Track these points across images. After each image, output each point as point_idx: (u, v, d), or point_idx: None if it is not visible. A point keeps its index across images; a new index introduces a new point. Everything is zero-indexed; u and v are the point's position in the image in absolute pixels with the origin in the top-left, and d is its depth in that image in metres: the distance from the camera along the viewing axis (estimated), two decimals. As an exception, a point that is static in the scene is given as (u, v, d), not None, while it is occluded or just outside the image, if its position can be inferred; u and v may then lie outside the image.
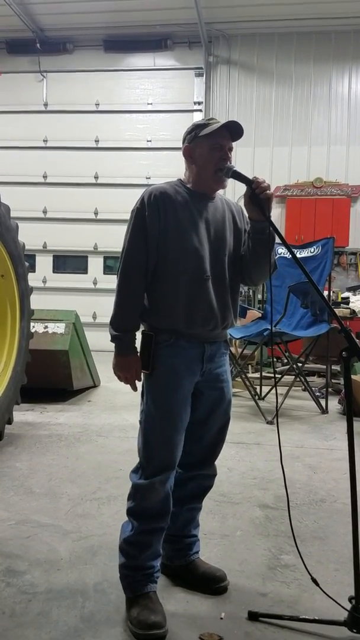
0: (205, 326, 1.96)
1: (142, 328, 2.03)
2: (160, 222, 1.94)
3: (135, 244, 1.96)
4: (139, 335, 2.02)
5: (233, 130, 1.97)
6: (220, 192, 2.11)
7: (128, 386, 2.03)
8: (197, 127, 2.01)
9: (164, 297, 1.95)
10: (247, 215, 2.03)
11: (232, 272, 2.05)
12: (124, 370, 1.99)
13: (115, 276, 2.03)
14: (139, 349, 2.00)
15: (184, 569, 2.17)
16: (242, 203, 2.05)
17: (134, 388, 2.02)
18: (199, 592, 2.10)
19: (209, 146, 1.96)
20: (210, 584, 2.12)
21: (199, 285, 1.94)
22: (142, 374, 1.99)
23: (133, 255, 1.96)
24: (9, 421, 4.09)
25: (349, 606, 1.83)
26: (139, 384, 2.02)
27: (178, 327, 1.94)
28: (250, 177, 1.95)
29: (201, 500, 2.20)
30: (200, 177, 2.01)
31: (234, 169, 1.97)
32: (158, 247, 1.95)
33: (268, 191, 1.92)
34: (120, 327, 1.97)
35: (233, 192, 6.86)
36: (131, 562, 1.95)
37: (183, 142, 2.05)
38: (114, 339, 1.98)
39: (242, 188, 1.95)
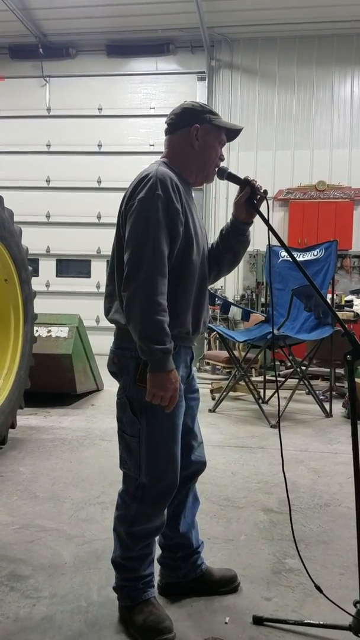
0: (203, 330, 1.92)
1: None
2: (183, 215, 1.73)
3: (161, 239, 1.66)
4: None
5: (234, 135, 1.94)
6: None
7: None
8: (209, 112, 1.85)
9: (178, 302, 1.76)
10: (233, 215, 1.95)
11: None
12: (172, 389, 1.69)
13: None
14: (133, 361, 1.78)
15: (198, 580, 2.11)
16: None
17: (171, 407, 1.74)
18: (202, 597, 2.09)
19: (219, 139, 1.88)
20: (229, 584, 2.12)
21: (203, 287, 1.88)
22: (137, 389, 1.77)
23: (158, 252, 1.65)
24: (13, 425, 4.09)
25: (354, 611, 1.82)
26: (112, 390, 1.93)
27: (186, 332, 1.82)
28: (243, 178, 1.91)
29: (196, 497, 2.12)
30: (200, 166, 1.88)
31: (229, 170, 1.93)
32: (178, 245, 1.73)
33: (262, 190, 1.88)
34: (161, 337, 1.63)
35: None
36: (130, 574, 1.90)
37: (186, 116, 1.84)
38: (156, 353, 1.63)
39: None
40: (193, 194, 1.95)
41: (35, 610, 2.00)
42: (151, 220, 1.67)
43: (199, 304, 1.87)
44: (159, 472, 1.80)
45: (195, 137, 1.84)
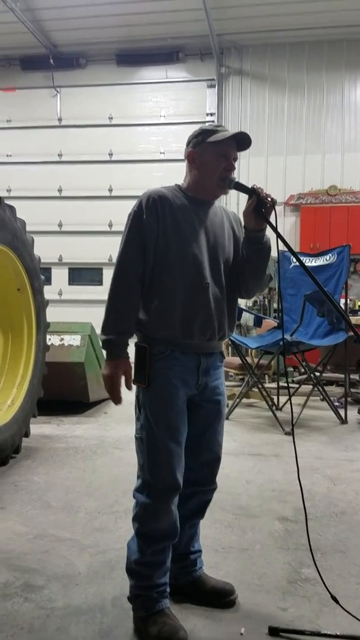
0: (202, 336, 1.92)
1: (135, 340, 1.96)
2: (159, 226, 1.89)
3: (131, 247, 1.90)
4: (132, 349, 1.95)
5: (241, 141, 1.95)
6: (218, 200, 2.08)
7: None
8: (204, 132, 1.96)
9: (161, 304, 1.89)
10: (243, 225, 1.98)
11: (229, 280, 2.00)
12: (111, 376, 1.87)
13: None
14: (132, 362, 1.92)
15: (191, 585, 2.11)
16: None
17: (119, 399, 1.91)
18: (216, 608, 2.06)
19: (216, 154, 1.93)
20: (220, 598, 2.08)
21: (198, 292, 1.90)
22: (138, 387, 1.93)
23: (128, 259, 1.90)
24: (26, 434, 4.10)
25: (371, 622, 1.79)
26: (128, 398, 1.95)
27: (174, 336, 1.89)
28: (250, 187, 1.92)
29: (203, 515, 2.14)
30: (202, 184, 1.97)
31: (236, 180, 1.95)
32: (155, 252, 1.90)
33: (270, 198, 1.89)
34: (111, 330, 1.88)
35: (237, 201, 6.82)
36: (144, 582, 1.91)
37: (187, 145, 2.00)
38: (105, 344, 1.90)
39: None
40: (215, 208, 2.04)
41: (50, 621, 1.99)
42: (125, 233, 1.94)
43: (192, 309, 1.90)
44: (159, 470, 1.88)
45: (192, 162, 1.99)
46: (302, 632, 1.90)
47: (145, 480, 1.90)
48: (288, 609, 2.08)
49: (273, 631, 1.91)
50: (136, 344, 1.96)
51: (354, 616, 1.87)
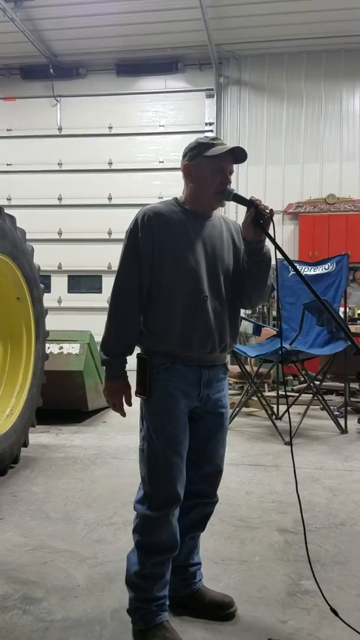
0: (203, 349, 1.92)
1: (137, 351, 1.99)
2: (155, 243, 1.91)
3: (129, 265, 1.93)
4: (132, 359, 1.98)
5: (236, 155, 1.96)
6: (218, 210, 2.09)
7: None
8: (200, 146, 1.97)
9: (160, 318, 1.91)
10: (243, 236, 1.99)
11: (230, 292, 2.01)
12: (112, 396, 1.96)
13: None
14: (133, 373, 1.94)
15: (190, 598, 2.11)
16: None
17: (123, 414, 1.99)
18: (215, 621, 2.05)
19: (212, 168, 1.94)
20: (219, 610, 2.07)
21: (197, 306, 1.91)
22: (139, 399, 1.95)
23: (126, 276, 1.94)
24: (25, 444, 4.09)
25: (372, 635, 1.78)
26: (131, 410, 1.97)
27: (174, 349, 1.90)
28: (248, 198, 1.94)
29: (203, 528, 2.14)
30: (198, 197, 1.98)
31: (234, 192, 1.96)
32: (152, 268, 1.92)
33: (268, 210, 1.90)
34: (111, 351, 1.94)
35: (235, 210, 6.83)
36: (144, 595, 1.90)
37: (183, 157, 2.01)
38: (103, 363, 1.96)
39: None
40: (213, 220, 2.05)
41: (48, 634, 1.98)
42: (123, 251, 1.97)
43: (191, 323, 1.90)
44: (159, 482, 1.88)
45: (188, 174, 2.00)
46: (302, 646, 1.89)
47: (146, 491, 1.90)
48: (287, 622, 2.07)
49: (273, 644, 1.90)
50: (138, 355, 1.97)
51: (353, 629, 1.86)
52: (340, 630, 1.96)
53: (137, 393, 1.94)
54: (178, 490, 1.89)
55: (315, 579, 2.00)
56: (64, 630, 2.01)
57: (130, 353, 1.96)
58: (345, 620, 1.89)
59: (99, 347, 2.03)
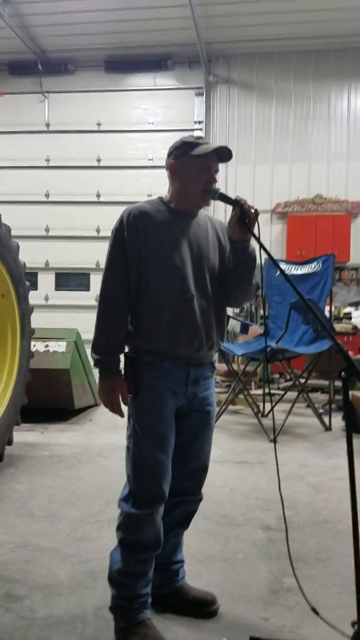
0: (190, 346, 1.93)
1: (125, 349, 1.99)
2: (140, 242, 1.92)
3: (115, 264, 1.95)
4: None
5: (222, 153, 1.97)
6: (204, 209, 2.09)
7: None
8: (185, 145, 1.97)
9: (147, 317, 1.93)
10: (228, 235, 2.00)
11: (216, 290, 2.02)
12: (108, 395, 1.95)
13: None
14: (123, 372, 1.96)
15: (173, 596, 2.12)
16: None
17: (120, 414, 1.97)
18: (199, 617, 2.06)
19: (198, 167, 1.95)
20: (201, 608, 2.09)
21: (183, 305, 1.92)
22: (128, 397, 1.96)
23: (113, 276, 1.95)
24: (9, 442, 4.07)
25: (351, 631, 1.80)
26: (125, 409, 1.97)
27: (162, 348, 1.91)
28: (234, 197, 1.94)
29: (187, 525, 2.15)
30: (184, 195, 1.99)
31: (220, 191, 1.97)
32: (139, 267, 1.93)
33: (253, 210, 1.90)
34: (102, 350, 1.94)
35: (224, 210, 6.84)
36: (126, 592, 1.91)
37: (168, 157, 2.02)
38: (96, 363, 1.95)
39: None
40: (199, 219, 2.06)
41: (30, 632, 1.98)
42: (109, 251, 1.98)
43: (178, 321, 1.92)
44: (144, 479, 1.89)
45: (174, 173, 2.00)
46: (283, 643, 1.90)
47: (132, 489, 1.92)
48: (270, 619, 2.09)
49: (254, 641, 1.91)
50: (125, 354, 1.98)
51: (334, 627, 1.88)
52: (322, 627, 1.97)
53: None
54: (163, 488, 1.89)
55: (296, 577, 2.01)
56: (46, 627, 2.01)
57: (122, 351, 1.97)
58: (325, 619, 1.91)
59: (89, 347, 2.02)
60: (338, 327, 6.97)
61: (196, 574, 2.35)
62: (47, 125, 10.16)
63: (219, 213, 8.63)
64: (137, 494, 1.89)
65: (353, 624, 1.79)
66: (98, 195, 9.94)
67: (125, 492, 1.94)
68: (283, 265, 5.48)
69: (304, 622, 2.06)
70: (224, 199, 1.96)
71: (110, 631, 1.96)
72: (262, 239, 1.93)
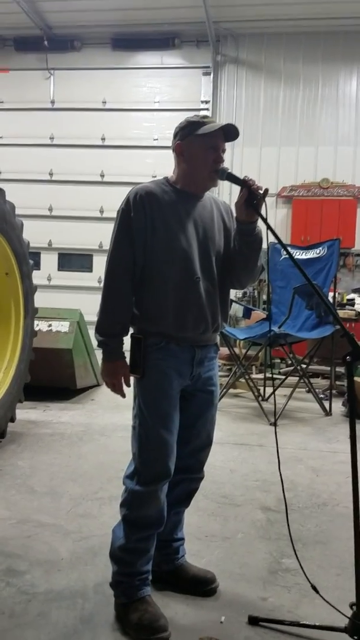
0: (196, 329, 1.93)
1: (130, 331, 1.99)
2: (147, 223, 1.90)
3: (121, 245, 1.92)
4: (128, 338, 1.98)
5: (228, 132, 1.93)
6: (210, 191, 2.07)
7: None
8: (191, 125, 1.94)
9: (153, 300, 1.91)
10: (235, 216, 1.98)
11: (221, 273, 2.01)
12: (111, 376, 1.95)
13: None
14: (127, 353, 1.96)
15: (172, 573, 2.14)
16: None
17: (122, 395, 1.98)
18: (198, 596, 2.09)
19: (204, 147, 1.92)
20: (201, 586, 2.11)
21: (189, 287, 1.91)
22: (132, 378, 1.96)
23: (119, 257, 1.92)
24: (12, 419, 4.09)
25: (349, 612, 1.82)
26: (129, 390, 1.98)
27: (168, 330, 1.90)
28: (241, 178, 1.92)
29: (188, 503, 2.17)
30: (191, 176, 1.96)
31: (229, 171, 1.94)
32: (145, 248, 1.91)
33: (262, 190, 1.88)
34: (107, 332, 1.93)
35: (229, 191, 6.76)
36: (127, 569, 1.93)
37: (174, 137, 1.98)
38: (100, 344, 1.94)
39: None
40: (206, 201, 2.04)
41: (31, 606, 2.00)
42: (114, 231, 1.95)
43: (184, 304, 1.91)
44: (149, 456, 1.90)
45: (180, 154, 1.97)
46: (281, 622, 1.92)
47: (137, 467, 1.92)
48: (268, 599, 2.11)
49: (253, 620, 1.93)
50: (131, 335, 1.98)
51: (333, 606, 1.89)
52: (320, 608, 1.99)
53: (130, 372, 1.95)
54: (169, 465, 1.91)
55: (297, 557, 2.02)
56: (47, 602, 2.03)
57: (126, 333, 1.97)
58: (325, 598, 1.93)
59: (92, 328, 2.01)
60: (341, 313, 6.95)
61: (196, 553, 2.38)
62: (52, 102, 10.07)
63: (223, 194, 8.58)
64: (142, 472, 1.90)
65: (351, 606, 1.81)
66: (102, 175, 9.87)
67: (130, 470, 1.95)
68: (286, 252, 5.43)
69: (302, 603, 2.08)
70: (232, 179, 1.93)
71: (110, 607, 1.98)
72: (267, 221, 1.91)
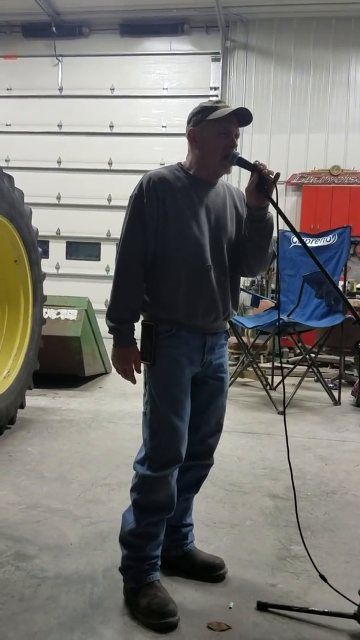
0: (207, 317, 1.93)
1: (141, 318, 1.98)
2: (160, 210, 1.88)
3: (134, 232, 1.91)
4: (138, 325, 1.97)
5: (242, 117, 1.91)
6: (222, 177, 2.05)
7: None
8: (204, 110, 1.92)
9: (164, 287, 1.91)
10: (245, 202, 1.96)
11: (232, 260, 2.00)
12: (122, 362, 1.94)
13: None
14: (138, 340, 1.95)
15: (181, 559, 2.15)
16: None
17: (133, 381, 1.97)
18: (207, 581, 2.09)
19: (216, 132, 1.89)
20: (210, 572, 2.11)
21: (201, 275, 1.90)
22: (143, 365, 1.95)
23: (131, 243, 1.91)
24: (22, 406, 4.12)
25: (358, 600, 1.82)
26: (140, 376, 1.97)
27: (178, 318, 1.90)
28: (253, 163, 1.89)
29: (197, 490, 2.18)
30: (203, 162, 1.94)
31: (239, 156, 1.92)
32: (156, 235, 1.89)
33: (273, 175, 1.85)
34: (118, 318, 1.92)
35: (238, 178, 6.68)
36: (136, 553, 1.94)
37: (188, 123, 1.97)
38: (111, 330, 1.94)
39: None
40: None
41: (40, 590, 2.02)
42: (127, 217, 1.93)
43: (195, 292, 1.90)
44: (160, 443, 1.90)
45: (193, 140, 1.95)
46: (290, 608, 1.92)
47: (147, 453, 1.93)
48: (277, 585, 2.11)
49: (261, 606, 1.94)
50: (142, 322, 1.97)
51: (341, 594, 1.89)
52: (329, 595, 1.99)
53: (141, 359, 1.95)
54: (180, 451, 1.91)
55: (304, 544, 2.02)
56: (56, 587, 2.04)
57: (137, 320, 1.96)
58: (333, 586, 1.93)
59: (100, 317, 2.01)
60: (351, 302, 6.91)
61: (204, 539, 2.38)
62: (60, 89, 10.01)
63: (232, 180, 8.51)
64: (153, 457, 1.91)
65: (360, 592, 1.82)
66: (110, 163, 9.82)
67: (141, 455, 1.95)
68: (296, 238, 5.39)
69: (310, 589, 2.09)
70: (243, 163, 1.91)
71: (119, 591, 1.99)
72: (278, 206, 1.89)
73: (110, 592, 2.01)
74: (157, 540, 1.95)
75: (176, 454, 1.90)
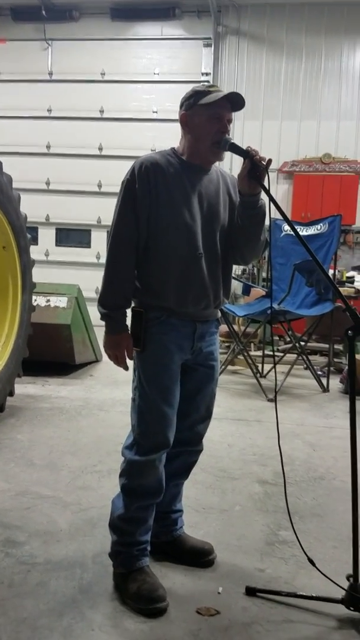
0: (197, 305, 1.92)
1: (132, 304, 1.98)
2: (152, 195, 1.87)
3: (125, 217, 1.89)
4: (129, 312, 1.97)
5: (234, 101, 1.89)
6: (216, 163, 2.03)
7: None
8: (196, 94, 1.90)
9: (155, 274, 1.90)
10: (237, 189, 1.94)
11: (224, 248, 1.99)
12: (114, 349, 1.94)
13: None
14: (129, 326, 1.95)
15: (170, 544, 2.16)
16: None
17: (125, 367, 1.96)
18: (196, 567, 2.11)
19: (208, 116, 1.87)
20: (199, 557, 2.13)
21: (192, 262, 1.89)
22: (133, 351, 1.95)
23: (123, 229, 1.89)
24: (11, 393, 4.09)
25: (346, 584, 1.84)
26: (130, 363, 1.97)
27: (169, 305, 1.89)
28: (245, 149, 1.88)
29: (187, 476, 2.18)
30: (195, 148, 1.92)
31: (231, 141, 1.89)
32: (148, 221, 1.88)
33: (265, 161, 1.84)
34: (110, 304, 1.92)
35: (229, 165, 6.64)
36: (126, 538, 1.94)
37: (180, 108, 1.95)
38: (103, 317, 1.93)
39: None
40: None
41: (30, 576, 2.02)
42: (119, 202, 1.92)
43: (185, 280, 1.90)
44: (148, 428, 1.91)
45: (185, 125, 1.94)
46: (278, 593, 1.94)
47: (135, 438, 1.93)
48: (265, 570, 2.13)
49: (250, 591, 1.95)
50: (132, 309, 1.97)
51: (329, 578, 1.92)
52: (317, 580, 2.01)
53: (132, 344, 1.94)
54: (168, 436, 1.91)
55: (293, 529, 2.04)
56: (46, 572, 2.05)
57: (129, 306, 1.95)
58: (321, 571, 1.95)
59: (90, 304, 2.00)
60: (340, 290, 6.94)
61: (194, 524, 2.40)
62: (50, 74, 9.88)
63: (223, 166, 8.47)
64: (140, 443, 1.91)
65: (348, 577, 1.84)
66: (100, 149, 9.73)
67: (129, 441, 1.95)
68: (288, 226, 5.38)
69: (299, 574, 2.11)
70: (235, 149, 1.89)
71: (108, 577, 2.00)
72: (270, 193, 1.88)
73: (99, 577, 2.02)
74: (146, 525, 1.96)
75: (164, 439, 1.91)
